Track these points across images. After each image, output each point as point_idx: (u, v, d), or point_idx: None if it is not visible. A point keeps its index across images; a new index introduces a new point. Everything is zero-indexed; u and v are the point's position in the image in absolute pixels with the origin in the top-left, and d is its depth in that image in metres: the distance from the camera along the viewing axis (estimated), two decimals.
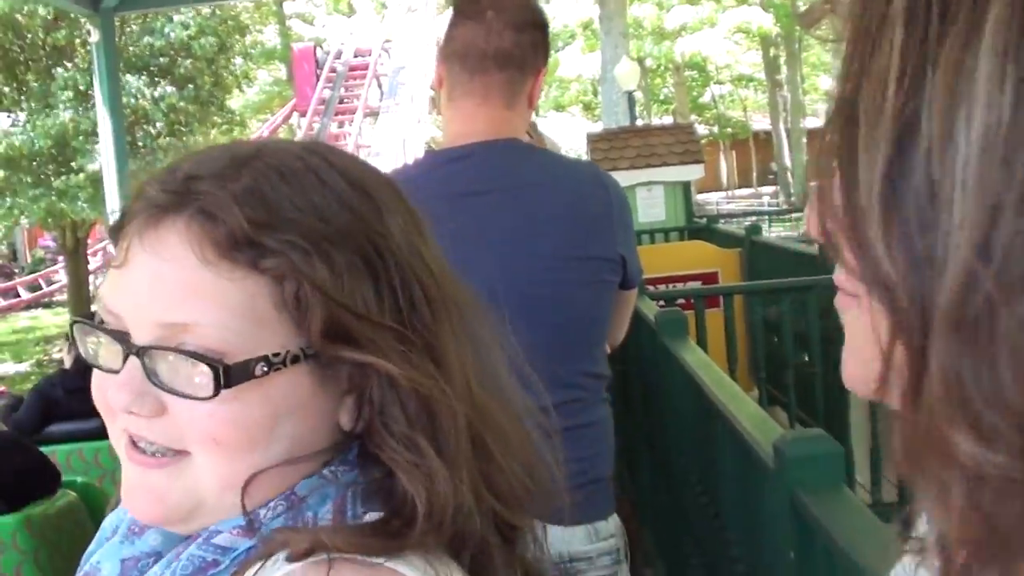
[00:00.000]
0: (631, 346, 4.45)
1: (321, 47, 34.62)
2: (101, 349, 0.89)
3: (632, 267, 2.24)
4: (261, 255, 0.84)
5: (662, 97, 41.73)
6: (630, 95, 17.60)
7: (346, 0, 41.19)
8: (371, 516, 0.87)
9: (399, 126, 27.38)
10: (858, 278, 0.49)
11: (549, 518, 1.02)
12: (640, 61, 28.15)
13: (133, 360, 0.85)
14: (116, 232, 0.90)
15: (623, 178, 10.42)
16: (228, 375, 0.83)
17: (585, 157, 11.71)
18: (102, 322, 0.89)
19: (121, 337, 0.86)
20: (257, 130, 35.09)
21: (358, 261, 0.87)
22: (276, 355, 0.84)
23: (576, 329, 2.16)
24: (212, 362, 0.83)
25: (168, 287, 0.84)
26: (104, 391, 0.88)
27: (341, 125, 30.48)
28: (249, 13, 23.55)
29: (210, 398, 0.83)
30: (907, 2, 0.45)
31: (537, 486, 0.96)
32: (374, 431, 0.88)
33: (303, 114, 31.26)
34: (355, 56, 33.45)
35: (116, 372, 0.86)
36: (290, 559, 0.80)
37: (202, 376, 0.83)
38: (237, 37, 21.16)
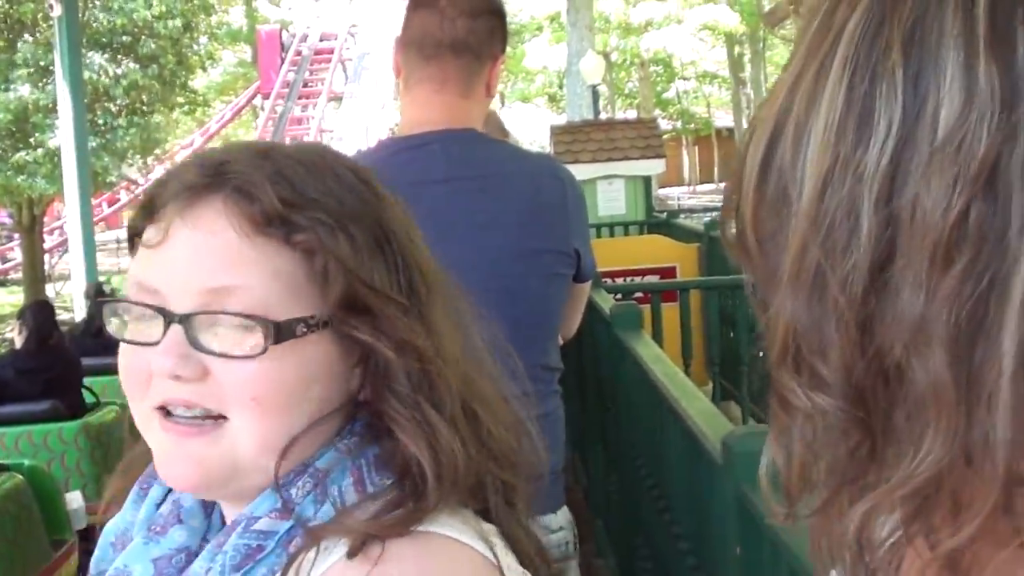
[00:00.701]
0: (586, 339, 4.47)
1: (287, 30, 34.39)
2: (132, 325, 0.94)
3: (586, 261, 2.25)
4: (292, 231, 0.91)
5: (627, 91, 41.82)
6: (594, 89, 17.65)
7: None
8: (388, 483, 0.92)
9: (363, 111, 27.30)
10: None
11: None
12: (606, 55, 28.19)
13: (175, 328, 0.90)
14: (147, 216, 0.95)
15: (584, 171, 10.46)
16: (278, 331, 0.88)
17: (548, 149, 11.72)
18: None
19: (161, 310, 0.91)
20: (220, 111, 34.87)
21: (371, 240, 0.95)
22: (312, 318, 0.91)
23: (529, 322, 2.16)
24: (262, 320, 0.88)
25: (211, 255, 0.91)
26: (139, 363, 0.92)
27: (304, 108, 30.32)
28: None
29: (260, 355, 0.88)
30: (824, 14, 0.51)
31: (523, 452, 1.04)
32: (380, 396, 0.94)
33: (267, 96, 31.06)
34: (321, 40, 33.26)
35: (155, 344, 0.90)
36: (348, 555, 0.85)
37: (251, 335, 0.88)
38: (203, 17, 20.99)
